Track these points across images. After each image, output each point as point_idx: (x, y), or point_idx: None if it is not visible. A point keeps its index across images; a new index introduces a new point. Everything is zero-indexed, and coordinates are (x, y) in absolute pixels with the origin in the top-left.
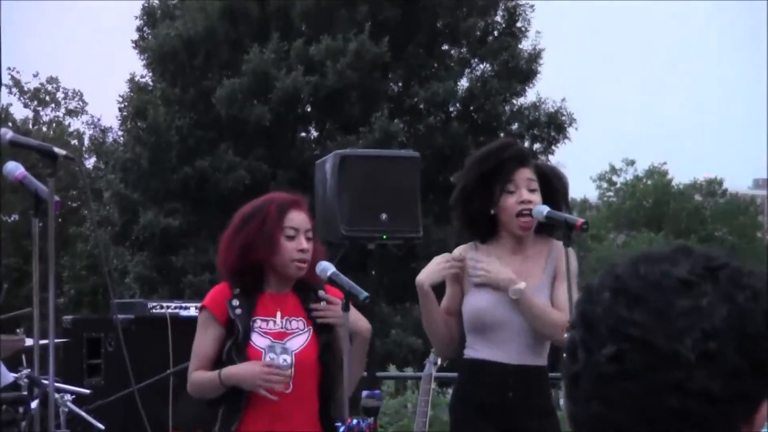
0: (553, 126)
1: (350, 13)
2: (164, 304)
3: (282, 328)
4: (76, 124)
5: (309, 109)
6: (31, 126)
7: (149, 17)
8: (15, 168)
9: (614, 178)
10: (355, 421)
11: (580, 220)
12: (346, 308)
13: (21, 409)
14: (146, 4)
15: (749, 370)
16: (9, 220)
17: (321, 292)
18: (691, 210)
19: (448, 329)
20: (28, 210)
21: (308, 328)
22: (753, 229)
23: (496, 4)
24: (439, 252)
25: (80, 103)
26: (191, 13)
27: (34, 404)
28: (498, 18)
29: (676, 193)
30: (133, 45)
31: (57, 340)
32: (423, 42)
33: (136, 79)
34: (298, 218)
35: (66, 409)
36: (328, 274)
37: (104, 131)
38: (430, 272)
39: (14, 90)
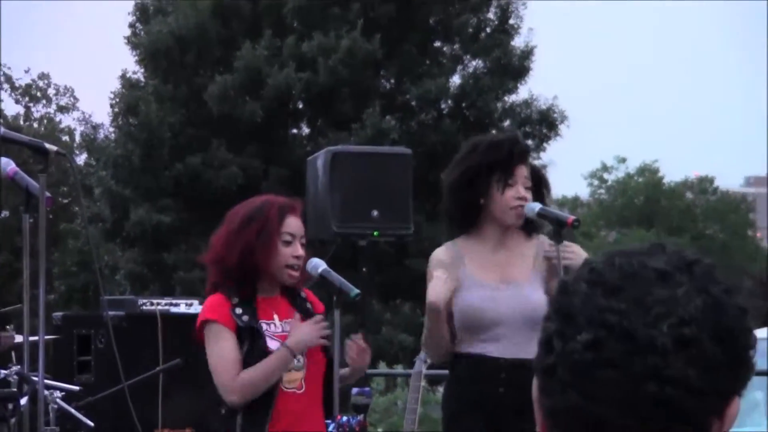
0: (545, 123)
1: (343, 10)
2: (155, 301)
3: (283, 331)
4: (67, 120)
5: (301, 106)
6: (22, 122)
7: (141, 13)
8: (6, 164)
9: (605, 176)
10: (345, 418)
11: (571, 217)
12: (337, 305)
13: (10, 406)
14: (138, 1)
15: (725, 362)
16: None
17: (348, 342)
18: (683, 208)
19: (449, 338)
20: (19, 206)
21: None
22: (744, 227)
23: (489, 1)
24: (431, 249)
25: (72, 99)
26: (183, 10)
27: (23, 401)
28: (490, 15)
29: (667, 191)
30: (125, 41)
31: (47, 337)
32: (415, 39)
33: (128, 75)
34: (295, 224)
35: (55, 406)
36: (319, 271)
37: (96, 128)
38: (441, 292)
39: (5, 86)
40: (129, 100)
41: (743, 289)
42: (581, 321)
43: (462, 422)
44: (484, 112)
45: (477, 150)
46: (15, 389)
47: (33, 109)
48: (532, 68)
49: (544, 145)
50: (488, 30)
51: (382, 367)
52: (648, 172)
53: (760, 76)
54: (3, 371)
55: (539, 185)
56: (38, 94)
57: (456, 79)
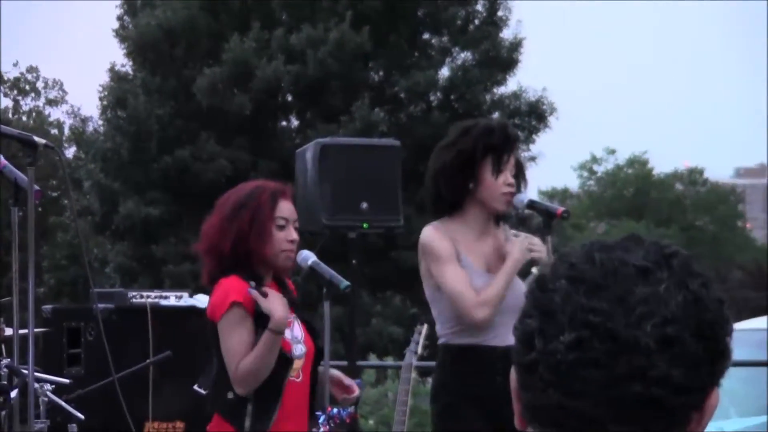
0: (533, 115)
1: (331, 3)
2: (144, 294)
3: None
4: (56, 113)
5: (290, 99)
6: (11, 115)
7: (130, 6)
8: None
9: (595, 168)
10: (335, 410)
11: (561, 209)
12: (327, 297)
13: (0, 399)
14: None
15: (706, 358)
16: None
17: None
18: (672, 199)
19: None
20: (8, 199)
21: (293, 316)
22: (734, 218)
23: None
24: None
25: (60, 92)
26: (171, 3)
27: (13, 394)
28: (479, 7)
29: (657, 182)
30: (114, 34)
31: (37, 330)
32: (404, 31)
33: (117, 68)
34: (287, 208)
35: (46, 399)
36: (309, 263)
37: (84, 121)
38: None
39: None
40: (118, 93)
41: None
42: (563, 320)
43: (461, 415)
44: (473, 104)
45: (470, 134)
46: (5, 382)
47: (22, 103)
48: (520, 60)
49: (534, 136)
50: (477, 22)
51: (373, 359)
52: (637, 163)
53: (751, 68)
54: None
55: (518, 176)
56: (27, 87)
57: (445, 72)
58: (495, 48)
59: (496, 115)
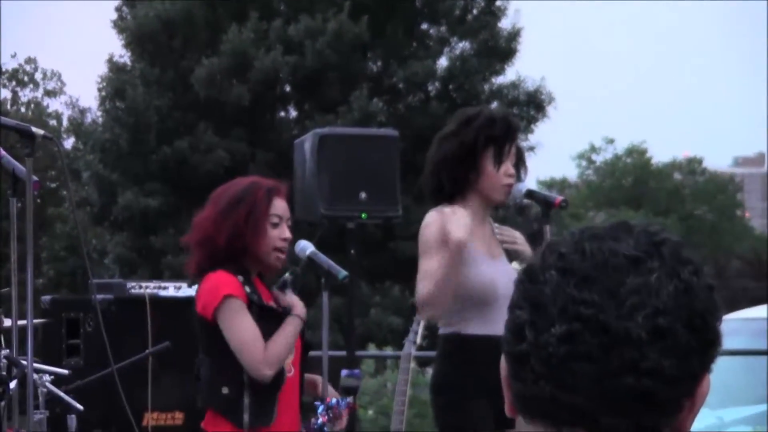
0: (532, 105)
1: None
2: (143, 285)
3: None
4: (54, 104)
5: (288, 89)
6: (9, 107)
7: None
8: None
9: (594, 157)
10: (334, 401)
11: (559, 198)
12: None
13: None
14: None
15: (697, 347)
16: None
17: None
18: (671, 188)
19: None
20: (6, 191)
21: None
22: (732, 207)
23: None
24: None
25: (59, 83)
26: None
27: (12, 385)
28: None
29: (655, 172)
30: (112, 25)
31: (36, 321)
32: (402, 21)
33: (115, 59)
34: (282, 206)
35: (45, 390)
36: (307, 253)
37: (83, 112)
38: (460, 225)
39: None
40: (116, 84)
41: (704, 265)
42: (553, 312)
43: (468, 408)
44: (472, 94)
45: (472, 124)
46: (4, 373)
47: (20, 94)
48: (519, 50)
49: (532, 126)
50: (475, 12)
51: (372, 350)
52: (636, 153)
53: (750, 58)
54: None
55: (518, 165)
56: (25, 78)
57: (443, 62)
58: (493, 38)
59: (494, 105)
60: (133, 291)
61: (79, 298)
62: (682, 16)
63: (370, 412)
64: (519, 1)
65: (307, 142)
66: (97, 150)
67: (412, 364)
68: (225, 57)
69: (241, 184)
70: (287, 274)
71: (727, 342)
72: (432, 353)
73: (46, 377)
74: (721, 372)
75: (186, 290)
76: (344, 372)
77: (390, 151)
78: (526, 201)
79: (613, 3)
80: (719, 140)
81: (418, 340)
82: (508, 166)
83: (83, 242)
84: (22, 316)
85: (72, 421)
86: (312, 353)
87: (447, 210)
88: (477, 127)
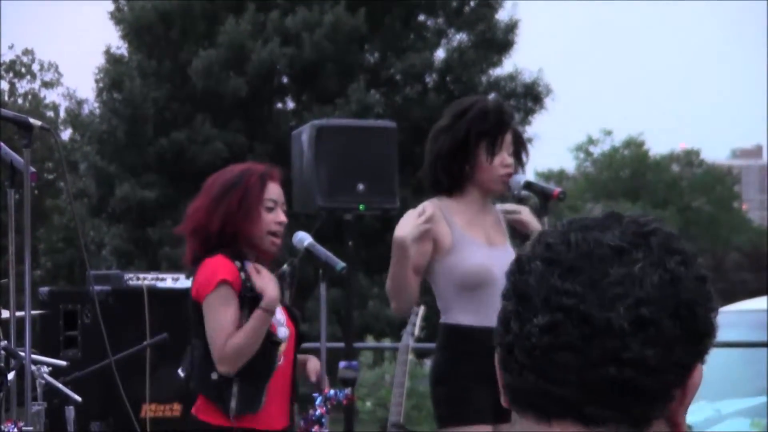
0: (530, 97)
1: None
2: (141, 276)
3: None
4: (51, 96)
5: (285, 81)
6: (6, 98)
7: None
8: None
9: (591, 149)
10: (332, 392)
11: (557, 190)
12: (322, 279)
13: None
14: None
15: (683, 337)
16: None
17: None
18: (669, 180)
19: (415, 287)
20: (4, 182)
21: None
22: (730, 199)
23: None
24: None
25: (56, 74)
26: None
27: (10, 376)
28: None
29: (653, 164)
30: (109, 16)
31: (33, 312)
32: (399, 13)
33: (112, 50)
34: (276, 190)
35: (42, 381)
36: (305, 244)
37: (80, 103)
38: (410, 228)
39: None
40: (113, 76)
41: (698, 255)
42: (537, 303)
43: (471, 398)
44: (469, 86)
45: (463, 118)
46: (2, 365)
47: (17, 85)
48: (516, 42)
49: (530, 118)
50: (472, 4)
51: (370, 341)
52: (634, 145)
53: (748, 49)
54: None
55: (519, 150)
56: (23, 69)
57: (440, 53)
58: (491, 29)
59: (492, 96)
60: (130, 282)
61: (76, 289)
62: (680, 8)
63: (368, 403)
64: None
65: (304, 134)
66: (94, 141)
67: (410, 356)
68: (222, 49)
69: (233, 171)
70: (285, 266)
71: (726, 334)
72: (430, 345)
73: (44, 369)
74: (720, 364)
75: (184, 281)
76: (342, 363)
77: (388, 142)
78: (524, 192)
79: None
80: (717, 132)
81: (416, 331)
82: (503, 157)
83: (81, 234)
84: (20, 308)
85: (70, 412)
86: (310, 345)
87: (412, 211)
88: (468, 121)
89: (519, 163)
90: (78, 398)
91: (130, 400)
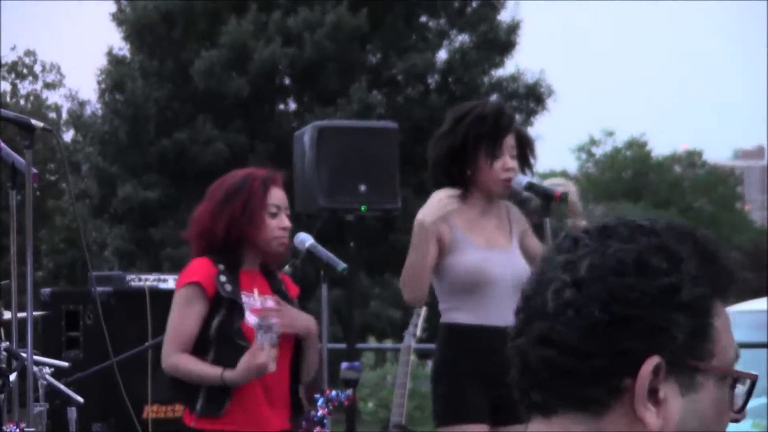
0: (531, 97)
1: None
2: (143, 277)
3: (261, 306)
4: (53, 97)
5: (287, 81)
6: (8, 99)
7: None
8: None
9: (593, 150)
10: (334, 393)
11: (559, 191)
12: (324, 279)
13: None
14: None
15: (608, 321)
16: None
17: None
18: (671, 181)
19: (428, 279)
20: (5, 183)
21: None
22: (732, 200)
23: None
24: None
25: (58, 76)
26: None
27: (12, 377)
28: None
29: (655, 165)
30: (111, 18)
31: (35, 313)
32: (401, 13)
33: (114, 51)
34: (279, 195)
35: (44, 382)
36: (307, 245)
37: (82, 104)
38: (432, 209)
39: None
40: (115, 77)
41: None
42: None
43: (468, 397)
44: (471, 86)
45: (462, 123)
46: (4, 366)
47: (20, 86)
48: (518, 42)
49: (532, 119)
50: (474, 4)
51: (372, 342)
52: (636, 145)
53: (750, 50)
54: None
55: (524, 151)
56: (25, 71)
57: (442, 54)
58: (492, 30)
59: (494, 97)
60: (132, 283)
61: (78, 290)
62: (682, 8)
63: (370, 404)
64: None
65: (306, 135)
66: (96, 142)
67: (412, 357)
68: (224, 49)
69: (237, 176)
70: (287, 267)
71: None
72: (431, 346)
73: (46, 370)
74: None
75: None
76: (344, 364)
77: (389, 143)
78: (526, 194)
79: None
80: (719, 133)
81: (418, 332)
82: (505, 160)
83: (83, 235)
84: (22, 309)
85: (72, 413)
86: None
87: (435, 194)
88: (467, 126)
89: (526, 165)
90: (80, 399)
91: (132, 401)
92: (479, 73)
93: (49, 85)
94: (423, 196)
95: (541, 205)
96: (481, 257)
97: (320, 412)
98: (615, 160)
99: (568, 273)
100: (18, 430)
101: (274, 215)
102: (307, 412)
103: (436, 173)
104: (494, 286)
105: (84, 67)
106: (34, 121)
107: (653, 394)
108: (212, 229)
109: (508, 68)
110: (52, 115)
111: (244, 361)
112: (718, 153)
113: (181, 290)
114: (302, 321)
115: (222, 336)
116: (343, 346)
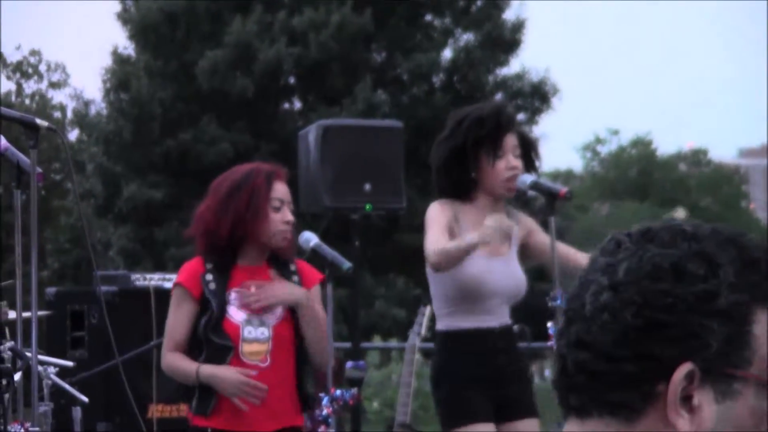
0: (537, 96)
1: None
2: (148, 276)
3: (243, 299)
4: (58, 96)
5: (292, 81)
6: (13, 98)
7: None
8: None
9: (599, 148)
10: (339, 392)
11: (564, 189)
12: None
13: (4, 382)
14: None
15: (644, 329)
16: None
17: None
18: (676, 180)
19: None
20: (10, 182)
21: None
22: (737, 198)
23: None
24: (423, 223)
25: (63, 75)
26: None
27: (17, 377)
28: None
29: (660, 163)
30: (116, 17)
31: (40, 313)
32: (406, 13)
33: (119, 51)
34: (282, 189)
35: (49, 382)
36: (311, 244)
37: (87, 103)
38: (484, 235)
39: None
40: (120, 76)
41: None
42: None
43: (470, 398)
44: (476, 85)
45: (462, 126)
46: (8, 365)
47: (25, 86)
48: (523, 41)
49: (537, 118)
50: (479, 3)
51: (377, 341)
52: (641, 144)
53: (755, 48)
54: None
55: (528, 151)
56: (30, 70)
57: (447, 53)
58: (497, 29)
59: (498, 96)
60: (137, 283)
61: (83, 290)
62: (687, 6)
63: (375, 403)
64: None
65: (311, 134)
66: (101, 142)
67: (417, 356)
68: (229, 49)
69: (240, 172)
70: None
71: None
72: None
73: (51, 369)
74: None
75: None
76: (349, 363)
77: (394, 142)
78: (530, 192)
79: None
80: (724, 131)
81: (423, 331)
82: (508, 160)
83: (87, 234)
84: (27, 308)
85: (77, 413)
86: None
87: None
88: (465, 129)
89: (530, 165)
90: (85, 399)
91: (137, 400)
92: (484, 71)
93: (54, 85)
94: (428, 195)
95: (546, 204)
96: (484, 268)
97: (325, 411)
98: (620, 158)
99: (606, 276)
100: (23, 429)
101: (277, 209)
102: (319, 401)
103: (439, 179)
104: (494, 295)
105: (89, 66)
106: (38, 121)
107: (687, 401)
108: (216, 227)
109: (513, 67)
110: (57, 114)
111: (227, 371)
112: (723, 151)
113: (172, 292)
114: (284, 291)
115: (206, 335)
116: (348, 345)
